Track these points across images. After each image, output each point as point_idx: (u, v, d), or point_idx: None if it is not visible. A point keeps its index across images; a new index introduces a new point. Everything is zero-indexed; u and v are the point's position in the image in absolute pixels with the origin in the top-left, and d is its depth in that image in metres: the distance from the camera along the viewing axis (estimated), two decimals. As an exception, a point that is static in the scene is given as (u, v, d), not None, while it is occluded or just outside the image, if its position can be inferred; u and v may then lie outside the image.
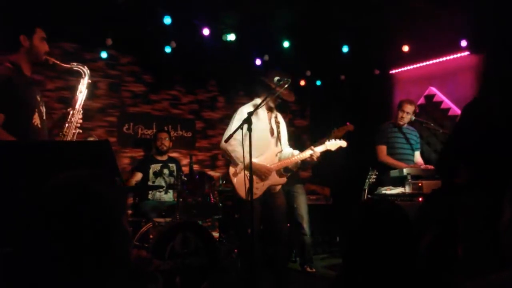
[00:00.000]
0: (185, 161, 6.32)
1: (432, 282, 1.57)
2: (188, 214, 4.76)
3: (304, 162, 4.20)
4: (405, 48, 6.19)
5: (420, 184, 4.27)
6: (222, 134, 4.11)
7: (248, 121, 3.46)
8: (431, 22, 5.42)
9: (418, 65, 6.50)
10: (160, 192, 5.56)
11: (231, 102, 7.15)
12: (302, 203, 5.54)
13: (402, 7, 5.16)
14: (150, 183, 5.61)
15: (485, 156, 2.05)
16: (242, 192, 3.87)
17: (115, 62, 6.22)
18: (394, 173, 4.65)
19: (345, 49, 6.45)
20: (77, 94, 3.29)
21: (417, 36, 5.91)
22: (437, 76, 6.27)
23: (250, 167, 3.40)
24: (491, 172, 2.01)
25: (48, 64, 3.19)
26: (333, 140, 4.25)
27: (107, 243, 1.25)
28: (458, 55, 5.96)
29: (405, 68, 6.70)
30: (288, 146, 4.32)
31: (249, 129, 3.46)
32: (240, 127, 3.55)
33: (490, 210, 1.65)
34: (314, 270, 5.44)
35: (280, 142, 4.20)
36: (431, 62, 6.31)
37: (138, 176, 5.61)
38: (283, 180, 4.13)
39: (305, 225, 5.45)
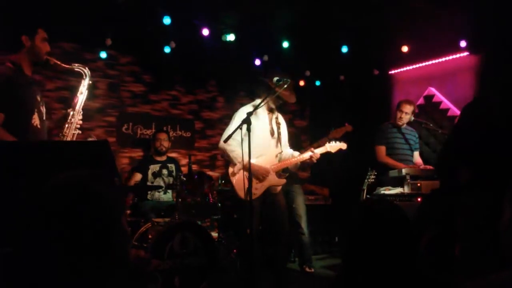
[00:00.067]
0: (184, 161, 6.32)
1: (432, 282, 1.57)
2: (187, 214, 4.76)
3: (303, 163, 4.20)
4: (404, 49, 6.20)
5: (419, 185, 4.27)
6: (221, 134, 4.12)
7: (247, 121, 3.47)
8: (430, 22, 5.42)
9: (417, 65, 6.50)
10: (159, 192, 5.56)
11: (230, 102, 7.15)
12: (300, 203, 5.55)
13: (402, 7, 5.17)
14: (149, 183, 5.61)
15: (485, 156, 2.05)
16: (241, 192, 3.88)
17: (115, 62, 6.22)
18: (393, 173, 4.66)
19: (344, 49, 6.44)
20: (78, 95, 3.29)
21: (416, 36, 5.92)
22: (437, 76, 6.27)
23: (249, 168, 3.40)
24: (491, 172, 2.01)
25: (49, 64, 3.19)
26: (333, 142, 4.25)
27: (107, 243, 1.25)
28: (458, 55, 5.96)
29: (405, 69, 6.70)
30: (289, 147, 4.33)
31: (248, 129, 3.47)
32: (239, 127, 3.55)
33: (490, 210, 1.65)
34: (312, 270, 5.45)
35: (281, 143, 4.20)
36: (430, 62, 6.32)
37: (138, 177, 5.61)
38: (283, 181, 4.13)
39: (303, 225, 5.46)
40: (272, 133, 4.15)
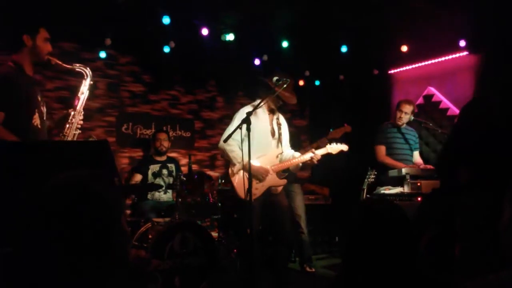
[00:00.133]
0: (184, 161, 6.32)
1: (432, 282, 1.57)
2: (187, 214, 4.76)
3: (304, 163, 4.21)
4: (404, 48, 6.20)
5: (418, 184, 4.28)
6: (221, 134, 4.12)
7: (246, 121, 3.47)
8: (430, 22, 5.42)
9: (417, 65, 6.50)
10: (159, 192, 5.56)
11: (230, 102, 7.15)
12: (299, 202, 5.56)
13: (401, 7, 5.17)
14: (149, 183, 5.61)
15: (485, 156, 2.05)
16: (241, 192, 3.88)
17: (114, 62, 6.21)
18: (393, 173, 4.66)
19: (344, 49, 6.45)
20: (79, 95, 3.29)
21: (416, 36, 5.92)
22: (436, 76, 6.27)
23: (249, 168, 3.40)
24: (491, 172, 2.01)
25: (50, 64, 3.19)
26: (334, 143, 4.26)
27: (107, 243, 1.25)
28: (457, 55, 5.96)
29: (404, 68, 6.70)
30: (290, 148, 4.33)
31: (248, 129, 3.47)
32: (239, 127, 3.55)
33: (490, 210, 1.65)
34: (313, 270, 5.45)
35: (281, 144, 4.20)
36: (430, 62, 6.31)
37: (138, 177, 5.61)
38: (284, 181, 4.13)
39: (303, 224, 5.47)
40: (272, 134, 4.15)
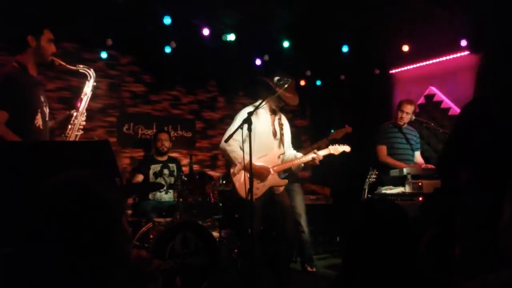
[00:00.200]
0: (185, 161, 6.32)
1: (432, 282, 1.57)
2: (188, 214, 4.76)
3: (305, 163, 4.22)
4: (405, 48, 6.19)
5: (420, 184, 4.28)
6: (222, 134, 4.12)
7: (247, 121, 3.47)
8: (431, 22, 5.42)
9: (418, 64, 6.50)
10: (160, 192, 5.56)
11: (231, 102, 7.15)
12: (299, 201, 5.56)
13: (402, 7, 5.16)
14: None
15: (485, 156, 2.05)
16: (242, 192, 3.89)
17: (115, 62, 6.21)
18: (394, 172, 4.66)
19: (345, 49, 6.44)
20: (82, 96, 3.29)
21: (417, 36, 5.91)
22: (437, 75, 6.27)
23: (250, 167, 3.40)
24: (491, 172, 2.01)
25: (54, 65, 3.20)
26: (336, 144, 4.27)
27: (107, 243, 1.25)
28: (458, 54, 5.96)
29: (405, 68, 6.70)
30: (292, 148, 4.33)
31: (249, 129, 3.47)
32: (240, 127, 3.56)
33: (490, 210, 1.65)
34: (314, 269, 5.45)
35: (283, 144, 4.21)
36: (431, 61, 6.32)
37: (139, 177, 5.62)
38: (285, 181, 4.14)
39: (303, 223, 5.47)
40: (274, 134, 4.16)
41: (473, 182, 2.07)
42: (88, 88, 3.30)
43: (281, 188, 4.13)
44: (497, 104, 2.23)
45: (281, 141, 4.20)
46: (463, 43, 5.76)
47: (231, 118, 4.21)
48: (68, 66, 3.23)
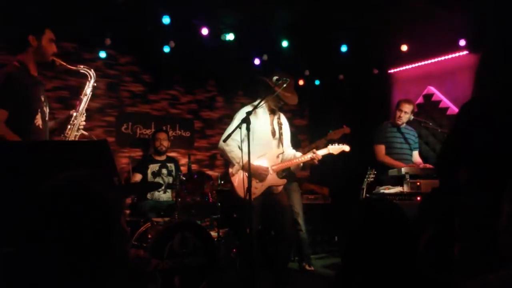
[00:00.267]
0: (183, 160, 6.32)
1: (432, 282, 1.58)
2: (187, 214, 4.76)
3: (304, 163, 4.22)
4: (404, 48, 6.20)
5: (418, 184, 4.28)
6: (221, 134, 4.12)
7: (246, 121, 3.47)
8: (429, 21, 5.42)
9: (416, 64, 6.50)
10: (158, 191, 5.56)
11: (230, 102, 7.15)
12: (297, 200, 5.56)
13: (401, 6, 5.17)
14: (148, 183, 5.61)
15: (485, 155, 2.06)
16: (241, 191, 3.89)
17: (114, 62, 6.21)
18: (392, 172, 4.67)
19: (343, 48, 6.44)
20: (81, 96, 3.29)
21: (415, 36, 5.92)
22: (436, 75, 6.28)
23: (248, 167, 3.40)
24: (490, 171, 2.01)
25: (54, 65, 3.20)
26: (336, 144, 4.27)
27: (107, 243, 1.25)
28: (457, 54, 5.97)
29: (404, 68, 6.70)
30: (291, 148, 4.33)
31: (248, 129, 3.47)
32: (238, 126, 3.56)
33: (489, 209, 1.66)
34: (312, 268, 5.46)
35: (282, 144, 4.21)
36: (429, 61, 6.32)
37: (138, 177, 5.61)
38: (284, 181, 4.13)
39: (301, 222, 5.47)
40: (273, 134, 4.15)
41: (473, 182, 2.08)
42: (88, 89, 3.30)
43: (280, 188, 4.13)
44: (496, 103, 2.23)
45: (280, 140, 4.20)
46: (462, 42, 5.77)
47: (230, 118, 4.21)
48: (69, 66, 3.23)
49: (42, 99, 3.17)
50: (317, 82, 7.63)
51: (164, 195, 5.61)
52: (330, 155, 4.22)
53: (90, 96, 3.30)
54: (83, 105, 3.27)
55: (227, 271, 4.80)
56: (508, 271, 1.27)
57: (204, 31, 5.85)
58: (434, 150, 6.02)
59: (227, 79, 7.04)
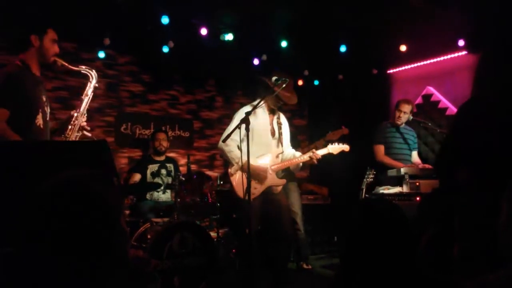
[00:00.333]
0: (183, 161, 6.32)
1: (431, 282, 1.58)
2: (186, 214, 4.76)
3: (303, 163, 4.22)
4: (403, 48, 6.20)
5: (417, 184, 4.28)
6: (220, 134, 4.13)
7: (245, 121, 3.47)
8: (428, 21, 5.42)
9: (416, 64, 6.50)
10: (158, 192, 5.56)
11: (229, 102, 7.15)
12: (295, 200, 5.57)
13: (400, 6, 5.17)
14: (147, 183, 5.61)
15: (484, 155, 2.05)
16: (240, 192, 3.89)
17: (113, 62, 6.21)
18: (392, 172, 4.67)
19: (343, 48, 6.45)
20: (83, 97, 3.29)
21: (415, 36, 5.92)
22: (435, 75, 6.28)
23: (248, 167, 3.41)
24: (490, 171, 2.01)
25: (56, 65, 3.20)
26: (336, 143, 4.27)
27: (107, 243, 1.25)
28: (456, 54, 5.97)
29: (403, 68, 6.70)
30: (291, 148, 4.33)
31: (247, 129, 3.48)
32: (238, 127, 3.56)
33: (489, 210, 1.66)
34: (310, 266, 5.47)
35: (282, 144, 4.21)
36: (428, 61, 6.32)
37: (137, 177, 5.61)
38: (283, 181, 4.14)
39: (299, 222, 5.48)
40: (273, 133, 4.16)
41: (472, 182, 2.08)
42: (89, 89, 3.30)
43: (279, 188, 4.13)
44: (496, 103, 2.23)
45: (280, 140, 4.20)
46: (461, 43, 5.77)
47: (230, 118, 4.21)
48: (70, 67, 3.23)
49: (44, 99, 3.17)
50: (316, 82, 7.64)
51: (164, 196, 5.61)
52: (329, 155, 4.22)
53: (91, 96, 3.31)
54: (84, 106, 3.27)
55: (227, 271, 4.80)
56: (508, 271, 1.27)
57: (203, 31, 5.85)
58: (433, 150, 6.02)
59: (227, 79, 7.04)
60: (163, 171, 5.73)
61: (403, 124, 5.23)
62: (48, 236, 1.19)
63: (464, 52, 5.87)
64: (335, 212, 6.39)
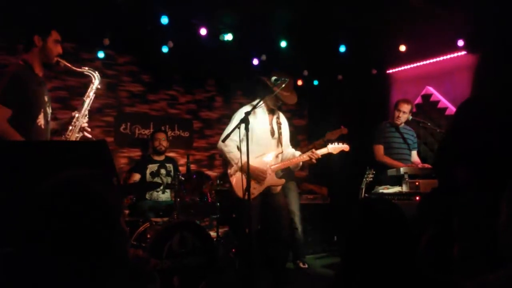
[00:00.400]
0: (182, 161, 6.32)
1: (431, 282, 1.58)
2: (186, 214, 4.76)
3: (303, 162, 4.23)
4: (402, 48, 6.20)
5: (417, 183, 4.29)
6: (220, 134, 4.13)
7: (245, 121, 3.47)
8: (428, 21, 5.43)
9: (415, 64, 6.50)
10: (157, 191, 5.56)
11: (229, 102, 7.15)
12: (293, 199, 5.58)
13: (400, 7, 5.17)
14: (147, 183, 5.61)
15: (483, 155, 2.05)
16: (239, 191, 3.89)
17: (113, 62, 6.20)
18: (391, 172, 4.67)
19: (342, 48, 6.45)
20: (84, 98, 3.29)
21: (414, 36, 5.92)
22: (434, 75, 6.28)
23: (247, 167, 3.41)
24: (490, 171, 2.01)
25: (59, 66, 3.21)
26: (335, 143, 4.28)
27: (107, 243, 1.25)
28: (455, 54, 5.97)
29: (402, 68, 6.70)
30: (290, 147, 4.34)
31: (246, 129, 3.48)
32: (237, 126, 3.56)
33: (489, 209, 1.66)
34: (306, 265, 5.48)
35: (281, 143, 4.21)
36: (428, 61, 6.32)
37: (136, 177, 5.61)
38: (282, 181, 4.14)
39: (297, 221, 5.49)
40: (272, 133, 4.16)
41: (472, 182, 2.08)
42: (91, 91, 3.30)
43: (278, 188, 4.14)
44: (496, 103, 2.22)
45: (279, 140, 4.20)
46: (460, 43, 5.77)
47: (229, 118, 4.21)
48: (73, 68, 3.23)
49: (46, 99, 3.17)
50: (315, 82, 7.64)
51: (163, 195, 5.61)
52: (329, 155, 4.23)
53: (93, 98, 3.31)
54: (85, 107, 3.27)
55: (226, 271, 4.80)
56: (508, 271, 1.27)
57: (203, 31, 5.85)
58: (433, 150, 6.02)
59: (226, 79, 7.04)
60: (163, 171, 5.73)
61: (403, 124, 5.23)
62: (48, 236, 1.19)
63: (463, 52, 5.87)
64: (334, 212, 6.40)
